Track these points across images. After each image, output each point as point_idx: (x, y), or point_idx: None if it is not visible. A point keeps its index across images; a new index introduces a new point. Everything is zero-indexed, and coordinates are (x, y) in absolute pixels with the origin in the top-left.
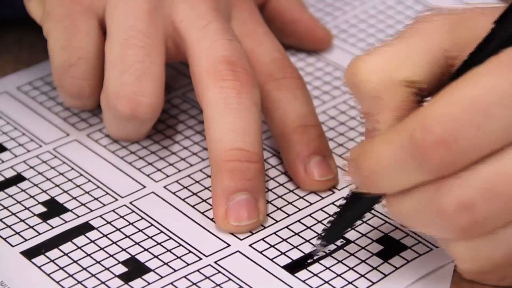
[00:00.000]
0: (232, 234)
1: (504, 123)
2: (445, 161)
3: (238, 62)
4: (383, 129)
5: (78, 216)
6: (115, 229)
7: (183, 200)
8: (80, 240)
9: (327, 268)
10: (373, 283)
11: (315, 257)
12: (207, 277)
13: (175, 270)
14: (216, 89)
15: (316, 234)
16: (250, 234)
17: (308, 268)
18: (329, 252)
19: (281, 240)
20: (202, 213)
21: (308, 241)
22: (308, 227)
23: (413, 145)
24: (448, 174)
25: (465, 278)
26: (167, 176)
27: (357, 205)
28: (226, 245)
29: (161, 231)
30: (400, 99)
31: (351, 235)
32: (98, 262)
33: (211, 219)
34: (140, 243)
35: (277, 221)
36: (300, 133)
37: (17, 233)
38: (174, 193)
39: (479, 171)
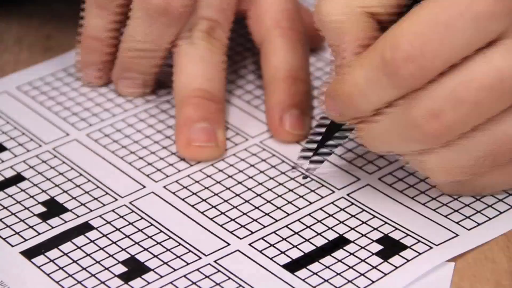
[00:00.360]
0: (231, 232)
1: (465, 35)
2: (414, 75)
3: (219, 24)
4: (349, 57)
5: (78, 216)
6: (114, 229)
7: (183, 200)
8: (80, 240)
9: (327, 267)
10: (373, 282)
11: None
12: (206, 276)
13: (174, 270)
14: (192, 42)
15: (316, 233)
16: (249, 233)
17: (308, 267)
18: (328, 250)
19: (281, 239)
20: (202, 212)
21: (308, 240)
22: (307, 226)
23: (384, 64)
24: (417, 88)
25: (445, 192)
26: (167, 176)
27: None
28: (226, 244)
29: (161, 231)
30: (362, 28)
31: (350, 235)
32: (98, 262)
33: (211, 219)
34: (139, 243)
35: (276, 220)
36: (289, 83)
37: (16, 233)
38: (173, 193)
39: (445, 81)
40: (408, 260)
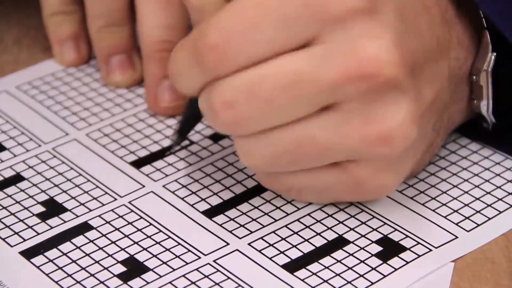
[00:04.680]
0: (230, 232)
1: (268, 35)
2: (217, 63)
3: None
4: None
5: (77, 216)
6: (114, 228)
7: (182, 199)
8: (79, 240)
9: (326, 267)
10: (372, 283)
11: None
12: (206, 276)
13: (174, 269)
14: None
15: (315, 233)
16: (249, 232)
17: (307, 267)
18: (327, 250)
19: (280, 239)
20: (201, 212)
21: (307, 240)
22: (307, 226)
23: (195, 49)
24: (220, 76)
25: (262, 183)
26: (166, 175)
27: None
28: (225, 243)
29: (160, 230)
30: None
31: (350, 235)
32: (97, 262)
33: (210, 218)
34: (139, 243)
35: (276, 220)
36: (158, 51)
37: (16, 233)
38: (173, 192)
39: (244, 74)
40: (407, 262)
